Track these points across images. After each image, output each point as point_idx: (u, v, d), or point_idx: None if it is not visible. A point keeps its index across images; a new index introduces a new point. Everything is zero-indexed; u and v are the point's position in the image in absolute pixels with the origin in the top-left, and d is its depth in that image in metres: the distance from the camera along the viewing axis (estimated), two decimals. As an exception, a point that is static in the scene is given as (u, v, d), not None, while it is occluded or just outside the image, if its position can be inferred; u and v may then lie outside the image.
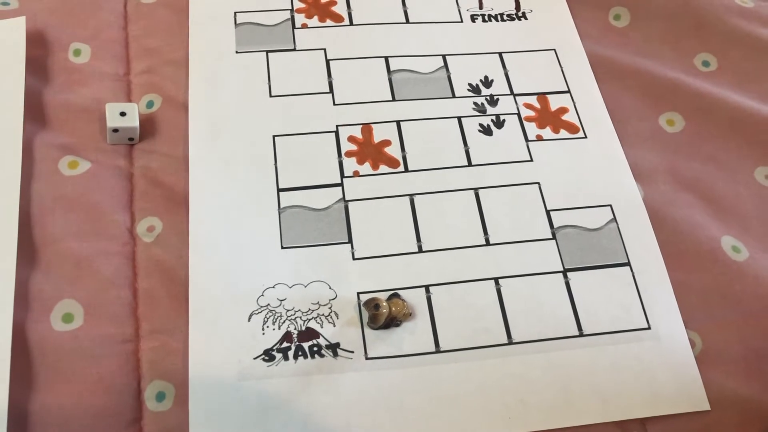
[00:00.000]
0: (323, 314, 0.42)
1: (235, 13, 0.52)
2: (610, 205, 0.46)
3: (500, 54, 0.53)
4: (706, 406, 0.40)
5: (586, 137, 0.49)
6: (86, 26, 0.50)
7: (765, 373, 0.41)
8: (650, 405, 0.40)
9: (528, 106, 0.50)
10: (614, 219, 0.46)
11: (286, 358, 0.40)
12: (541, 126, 0.49)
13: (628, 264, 0.44)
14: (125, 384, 0.39)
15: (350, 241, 0.44)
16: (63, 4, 0.51)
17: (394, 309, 0.41)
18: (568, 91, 0.51)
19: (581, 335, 0.42)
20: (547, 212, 0.46)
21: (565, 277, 0.44)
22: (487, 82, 0.51)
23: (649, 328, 0.42)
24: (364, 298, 0.42)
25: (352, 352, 0.41)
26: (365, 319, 0.42)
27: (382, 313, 0.41)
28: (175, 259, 0.42)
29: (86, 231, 0.42)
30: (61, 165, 0.44)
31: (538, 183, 0.47)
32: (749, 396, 0.40)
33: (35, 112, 0.46)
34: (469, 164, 0.47)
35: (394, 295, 0.42)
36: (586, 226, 0.45)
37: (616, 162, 0.48)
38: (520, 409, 0.40)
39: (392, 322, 0.42)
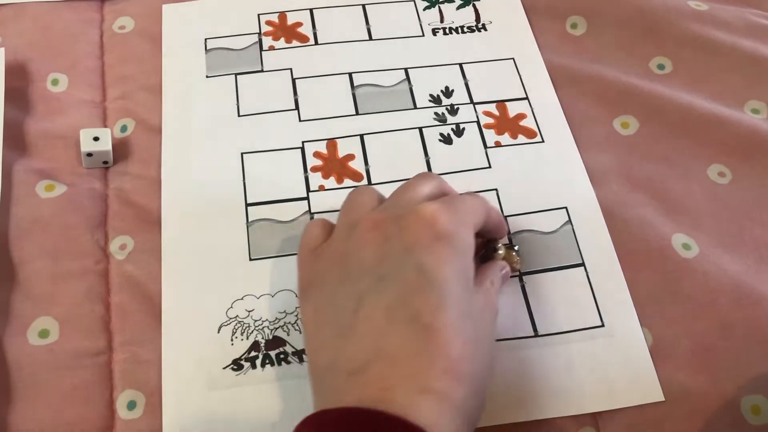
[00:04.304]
0: (290, 322, 0.44)
1: (206, 39, 0.55)
2: (566, 208, 0.48)
3: (460, 65, 0.54)
4: (661, 397, 0.41)
5: (543, 141, 0.51)
6: (64, 57, 0.53)
7: (712, 366, 0.42)
8: (605, 399, 0.41)
9: (487, 113, 0.52)
10: (569, 221, 0.47)
11: (254, 366, 0.42)
12: (500, 132, 0.51)
13: (582, 264, 0.46)
14: (98, 394, 0.41)
15: (316, 251, 0.46)
16: (42, 36, 0.54)
17: None
18: (527, 98, 0.53)
19: (536, 335, 0.43)
20: (505, 218, 0.47)
21: (521, 280, 0.45)
22: (448, 93, 0.53)
23: (602, 325, 0.44)
24: (328, 305, 0.44)
25: (318, 357, 0.43)
26: None
27: None
28: (145, 274, 0.44)
29: (62, 250, 0.45)
30: (38, 188, 0.47)
31: (496, 189, 0.48)
32: (697, 388, 0.41)
33: (15, 140, 0.49)
34: (430, 174, 0.49)
35: None
36: (541, 229, 0.47)
37: (572, 165, 0.50)
38: (477, 407, 0.41)
39: None
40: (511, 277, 0.45)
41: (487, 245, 0.44)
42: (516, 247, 0.45)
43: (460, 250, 0.37)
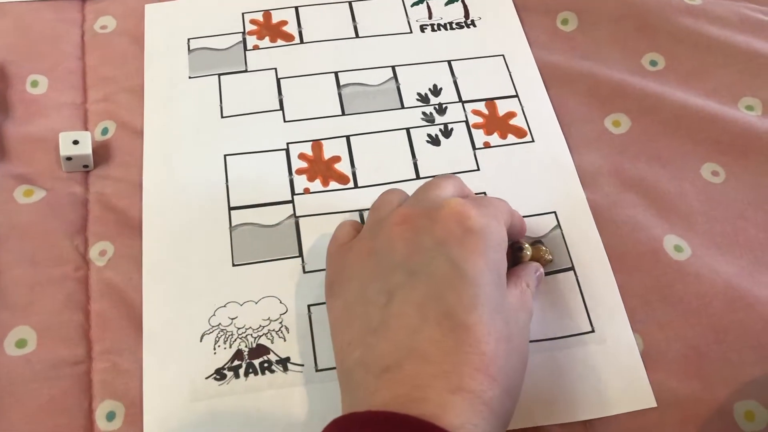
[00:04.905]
0: (274, 330, 0.43)
1: (189, 39, 0.54)
2: (555, 212, 0.47)
3: (449, 62, 0.53)
4: (653, 403, 0.40)
5: (533, 141, 0.50)
6: (44, 58, 0.52)
7: (705, 371, 0.41)
8: (596, 406, 0.40)
9: (476, 112, 0.51)
10: (558, 225, 0.46)
11: (237, 376, 0.41)
12: (489, 132, 0.50)
13: (572, 268, 0.45)
14: (77, 404, 0.40)
15: (301, 255, 0.45)
16: (21, 37, 0.53)
17: None
18: (516, 96, 0.52)
19: (526, 342, 0.42)
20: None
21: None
22: (436, 91, 0.52)
23: (593, 331, 0.43)
24: (314, 310, 0.43)
25: (302, 365, 0.42)
26: None
27: None
28: (125, 281, 0.43)
29: (40, 257, 0.44)
30: (17, 194, 0.46)
31: (484, 193, 0.47)
32: (690, 394, 0.40)
33: (-7, 145, 0.48)
34: (417, 177, 0.48)
35: None
36: (530, 235, 0.46)
37: (563, 165, 0.49)
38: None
39: None
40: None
41: (512, 247, 0.43)
42: (542, 242, 0.45)
43: (492, 244, 0.37)
